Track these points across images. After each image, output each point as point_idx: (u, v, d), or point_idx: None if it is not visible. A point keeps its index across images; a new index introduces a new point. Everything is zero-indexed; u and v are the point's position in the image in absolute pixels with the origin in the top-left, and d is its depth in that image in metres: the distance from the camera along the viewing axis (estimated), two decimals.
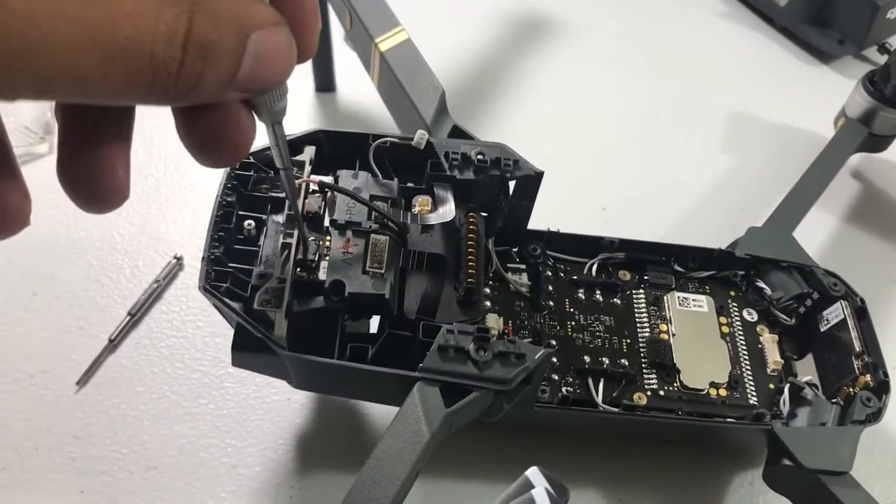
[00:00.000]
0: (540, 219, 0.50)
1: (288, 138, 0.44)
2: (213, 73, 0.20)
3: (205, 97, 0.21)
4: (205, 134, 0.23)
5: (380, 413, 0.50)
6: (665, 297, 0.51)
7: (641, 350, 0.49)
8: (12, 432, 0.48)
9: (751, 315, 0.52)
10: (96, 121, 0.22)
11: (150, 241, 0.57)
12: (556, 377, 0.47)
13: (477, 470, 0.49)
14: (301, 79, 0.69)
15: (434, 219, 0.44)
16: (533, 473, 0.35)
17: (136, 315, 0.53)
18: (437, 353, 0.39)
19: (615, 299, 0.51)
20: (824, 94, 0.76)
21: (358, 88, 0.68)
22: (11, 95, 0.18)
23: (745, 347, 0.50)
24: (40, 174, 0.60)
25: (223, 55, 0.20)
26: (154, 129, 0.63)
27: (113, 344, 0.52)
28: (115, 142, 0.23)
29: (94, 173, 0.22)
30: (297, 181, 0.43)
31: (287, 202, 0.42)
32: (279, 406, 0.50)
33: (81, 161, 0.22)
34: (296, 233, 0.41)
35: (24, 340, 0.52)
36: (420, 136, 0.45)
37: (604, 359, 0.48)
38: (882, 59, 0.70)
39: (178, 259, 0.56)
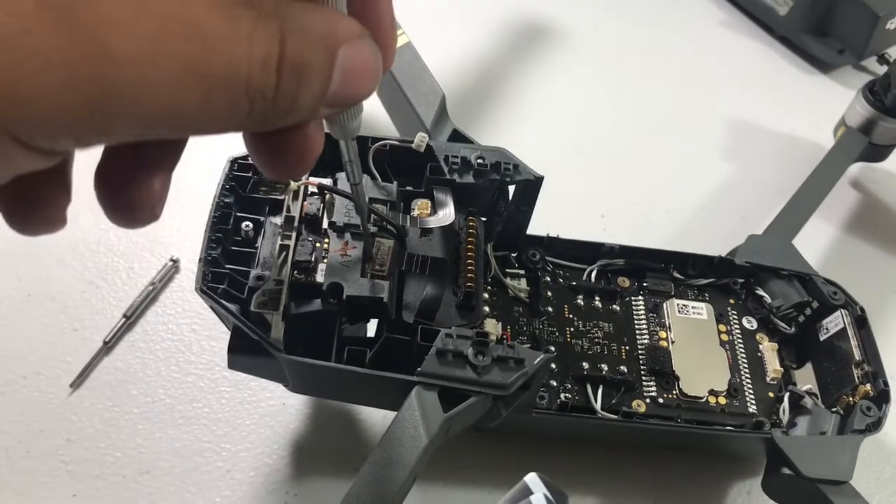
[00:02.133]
0: (539, 224, 0.50)
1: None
2: (307, 93, 0.20)
3: (298, 118, 0.20)
4: (275, 148, 0.22)
5: (376, 418, 0.50)
6: (664, 305, 0.51)
7: (640, 357, 0.49)
8: (4, 435, 0.47)
9: (750, 323, 0.52)
10: (151, 144, 0.22)
11: (146, 243, 0.57)
12: (555, 383, 0.47)
13: (475, 476, 0.48)
14: None
15: (433, 222, 0.44)
16: (531, 479, 0.34)
17: (132, 317, 0.52)
18: (436, 358, 0.39)
19: (614, 306, 0.51)
20: (824, 103, 0.75)
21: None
22: (117, 137, 0.18)
23: (744, 355, 0.50)
24: None
25: (315, 74, 0.20)
26: None
27: (107, 346, 0.51)
28: (161, 165, 0.22)
29: (134, 192, 0.22)
30: (295, 183, 0.42)
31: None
32: (275, 410, 0.50)
33: (124, 177, 0.22)
34: (363, 246, 0.41)
35: (17, 342, 0.51)
36: (420, 139, 0.44)
37: (603, 365, 0.48)
38: (881, 70, 0.70)
39: (175, 261, 0.55)
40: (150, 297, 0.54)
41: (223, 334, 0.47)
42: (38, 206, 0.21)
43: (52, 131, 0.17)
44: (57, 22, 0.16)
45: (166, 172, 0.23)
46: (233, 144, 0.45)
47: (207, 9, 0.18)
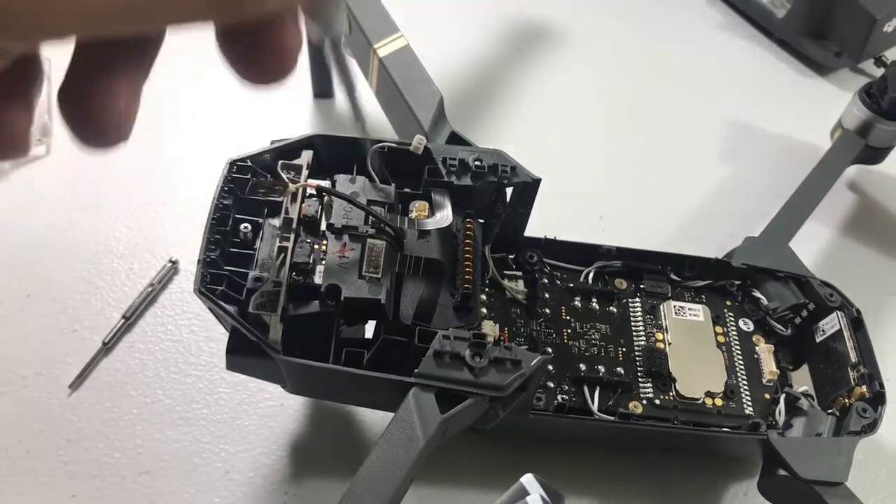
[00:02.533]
0: (536, 226, 0.50)
1: (285, 143, 0.45)
2: None
3: (267, 6, 0.18)
4: (251, 50, 0.21)
5: (374, 419, 0.50)
6: (661, 306, 0.51)
7: (637, 359, 0.49)
8: (4, 435, 0.48)
9: (747, 325, 0.52)
10: (115, 49, 0.20)
11: (145, 244, 0.57)
12: (552, 385, 0.47)
13: (471, 477, 0.49)
14: (298, 85, 0.68)
15: (431, 224, 0.44)
16: (528, 480, 0.35)
17: (131, 318, 0.53)
18: (433, 359, 0.39)
19: (611, 307, 0.51)
20: (821, 105, 0.76)
21: (356, 95, 0.68)
22: (63, 34, 0.17)
23: (740, 357, 0.50)
24: (37, 176, 0.60)
25: None
26: (151, 133, 0.63)
27: (107, 347, 0.51)
28: (126, 77, 0.21)
29: (97, 107, 0.20)
30: (293, 185, 0.43)
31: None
32: (273, 411, 0.50)
33: (86, 91, 0.20)
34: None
35: (17, 342, 0.51)
36: (418, 141, 0.45)
37: (599, 367, 0.48)
38: (879, 72, 0.70)
39: (174, 262, 0.56)
40: (149, 298, 0.54)
41: (222, 335, 0.47)
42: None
43: None
44: None
45: (133, 86, 0.21)
46: (232, 146, 0.46)
47: None
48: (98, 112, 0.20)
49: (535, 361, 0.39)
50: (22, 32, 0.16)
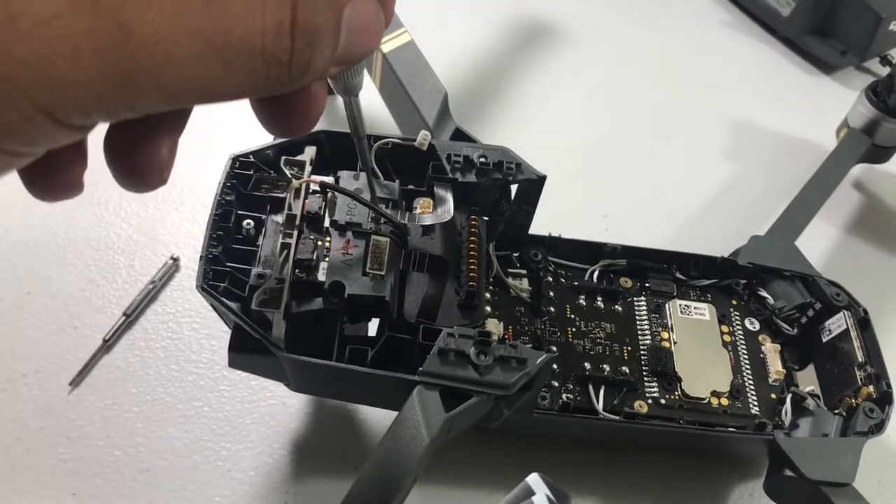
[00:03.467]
0: (541, 224, 0.50)
1: (288, 139, 0.44)
2: (319, 55, 0.21)
3: (312, 79, 0.21)
4: (282, 108, 0.24)
5: (377, 418, 0.50)
6: (667, 305, 0.51)
7: (642, 358, 0.49)
8: (4, 433, 0.47)
9: (753, 324, 0.52)
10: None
11: (146, 242, 0.57)
12: (557, 384, 0.47)
13: (476, 476, 0.48)
14: None
15: (431, 219, 0.44)
16: (534, 480, 0.34)
17: (132, 316, 0.52)
18: (438, 357, 0.38)
19: (616, 306, 0.51)
20: (826, 104, 0.75)
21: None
22: (143, 110, 0.19)
23: (746, 357, 0.50)
24: None
25: (325, 36, 0.21)
26: None
27: (107, 344, 0.51)
28: (169, 130, 0.23)
29: (143, 157, 0.23)
30: (296, 181, 0.42)
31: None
32: (275, 410, 0.50)
33: (132, 143, 0.22)
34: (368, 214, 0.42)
35: (17, 340, 0.51)
36: (423, 137, 0.44)
37: (604, 366, 0.48)
38: (884, 71, 0.70)
39: (175, 260, 0.55)
40: (150, 295, 0.53)
41: (223, 333, 0.46)
42: (59, 172, 0.22)
43: (84, 109, 0.18)
44: (84, 5, 0.17)
45: (174, 137, 0.23)
46: (234, 143, 0.45)
47: None
48: (143, 163, 0.23)
49: (540, 360, 0.39)
50: (116, 111, 0.19)
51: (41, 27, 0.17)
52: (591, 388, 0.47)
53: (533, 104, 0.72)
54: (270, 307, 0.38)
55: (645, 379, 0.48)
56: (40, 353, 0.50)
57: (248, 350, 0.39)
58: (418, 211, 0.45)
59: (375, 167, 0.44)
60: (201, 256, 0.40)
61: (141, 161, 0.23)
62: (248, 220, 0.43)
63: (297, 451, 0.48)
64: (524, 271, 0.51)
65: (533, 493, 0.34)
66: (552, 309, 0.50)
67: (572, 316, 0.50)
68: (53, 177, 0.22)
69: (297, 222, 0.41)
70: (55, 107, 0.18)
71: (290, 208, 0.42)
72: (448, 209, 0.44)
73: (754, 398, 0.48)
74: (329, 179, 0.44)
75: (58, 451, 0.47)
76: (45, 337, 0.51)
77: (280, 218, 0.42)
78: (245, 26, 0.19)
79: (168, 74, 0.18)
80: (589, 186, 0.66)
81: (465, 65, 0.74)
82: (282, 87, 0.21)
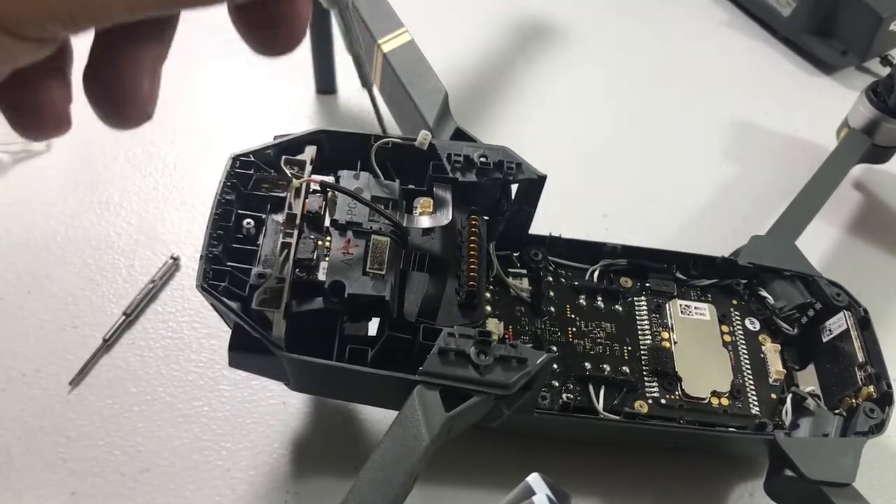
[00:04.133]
0: (541, 223, 0.50)
1: (288, 138, 0.44)
2: None
3: None
4: (263, 22, 0.22)
5: (377, 418, 0.50)
6: (667, 305, 0.51)
7: (643, 357, 0.49)
8: (4, 432, 0.47)
9: (753, 324, 0.52)
10: (135, 32, 0.21)
11: (146, 241, 0.57)
12: (557, 384, 0.47)
13: (476, 476, 0.48)
14: (302, 80, 0.68)
15: (430, 222, 0.44)
16: (534, 480, 0.34)
17: (132, 315, 0.52)
18: (438, 357, 0.38)
19: (617, 306, 0.51)
20: (826, 104, 0.75)
21: (359, 90, 0.67)
22: (104, 18, 0.18)
23: (746, 357, 0.50)
24: (38, 172, 0.60)
25: None
26: (153, 128, 0.63)
27: (107, 344, 0.51)
28: (149, 50, 0.22)
29: (123, 90, 0.21)
30: (297, 181, 0.42)
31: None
32: (275, 409, 0.50)
33: (111, 75, 0.21)
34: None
35: (17, 339, 0.51)
36: (423, 137, 0.44)
37: (605, 366, 0.48)
38: (884, 71, 0.70)
39: (175, 259, 0.55)
40: (150, 294, 0.53)
41: (223, 332, 0.46)
42: (41, 105, 0.21)
43: (36, 18, 0.17)
44: None
45: (155, 66, 0.22)
46: (234, 142, 0.45)
47: None
48: (124, 94, 0.21)
49: (540, 359, 0.39)
50: (73, 20, 0.17)
51: None
52: (591, 387, 0.47)
53: (533, 104, 0.72)
54: (271, 307, 0.38)
55: (645, 379, 0.48)
56: (40, 352, 0.50)
57: (248, 349, 0.39)
58: (418, 211, 0.44)
59: (376, 167, 0.44)
60: (201, 256, 0.40)
61: (122, 94, 0.21)
62: (249, 220, 0.43)
63: (298, 450, 0.48)
64: (524, 271, 0.51)
65: (533, 493, 0.34)
66: (552, 309, 0.50)
67: (572, 316, 0.50)
68: (36, 110, 0.21)
69: (298, 222, 0.41)
70: (6, 16, 0.17)
71: (290, 208, 0.42)
72: (447, 212, 0.44)
73: (755, 398, 0.48)
74: (329, 179, 0.44)
75: (57, 451, 0.47)
76: (45, 336, 0.51)
77: (280, 217, 0.42)
78: None
79: None
80: (589, 186, 0.66)
81: (466, 64, 0.74)
82: None
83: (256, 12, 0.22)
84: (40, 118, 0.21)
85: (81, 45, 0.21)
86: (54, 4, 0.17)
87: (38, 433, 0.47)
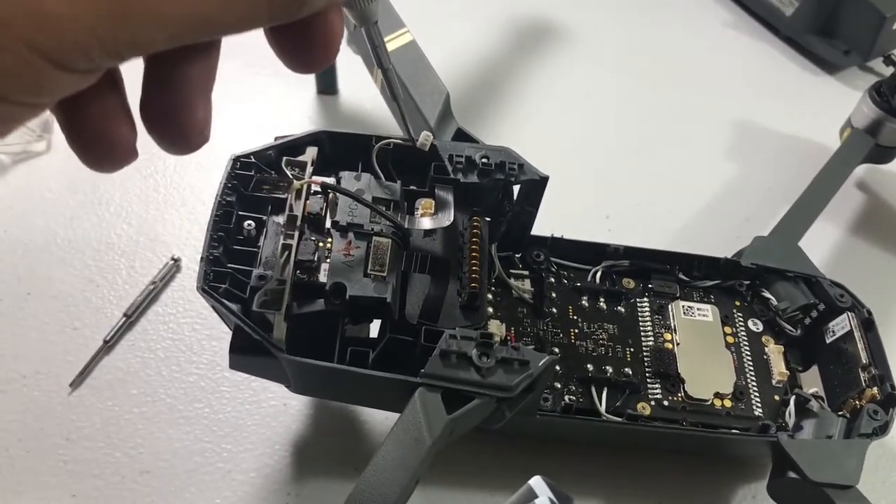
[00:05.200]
0: (543, 224, 0.50)
1: (289, 139, 0.44)
2: None
3: (318, 5, 0.21)
4: (298, 41, 0.23)
5: (379, 420, 0.49)
6: (669, 306, 0.51)
7: (645, 359, 0.48)
8: (4, 434, 0.47)
9: (756, 325, 0.51)
10: (182, 60, 0.22)
11: (147, 242, 0.56)
12: (559, 385, 0.46)
13: (478, 478, 0.48)
14: (302, 81, 0.68)
15: (431, 223, 0.43)
16: (536, 483, 0.34)
17: (132, 317, 0.52)
18: (439, 359, 0.38)
19: (619, 307, 0.51)
20: (829, 104, 0.75)
21: (360, 91, 0.67)
22: (147, 47, 0.19)
23: (750, 358, 0.50)
24: (38, 172, 0.59)
25: None
26: None
27: (108, 345, 0.51)
28: (199, 79, 0.22)
29: (177, 113, 0.22)
30: (298, 182, 0.42)
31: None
32: (276, 411, 0.49)
33: (168, 107, 0.22)
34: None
35: (17, 340, 0.51)
36: (424, 138, 0.44)
37: (607, 367, 0.48)
38: (888, 71, 0.70)
39: (176, 260, 0.55)
40: (150, 296, 0.53)
41: (224, 334, 0.46)
42: (111, 142, 0.22)
43: (84, 49, 0.17)
44: None
45: (206, 93, 0.23)
46: (235, 143, 0.45)
47: None
48: (181, 123, 0.22)
49: (542, 362, 0.39)
50: (118, 51, 0.18)
51: None
52: (593, 389, 0.47)
53: (535, 104, 0.72)
54: (271, 309, 0.38)
55: (648, 380, 0.48)
56: (40, 354, 0.50)
57: (248, 352, 0.39)
58: (420, 212, 0.44)
59: (378, 168, 0.44)
60: (202, 258, 0.39)
61: (180, 123, 0.22)
62: (249, 221, 0.42)
63: (299, 452, 0.48)
64: (526, 272, 0.51)
65: (536, 496, 0.34)
66: (554, 310, 0.50)
67: (575, 317, 0.50)
68: (106, 145, 0.22)
69: (299, 223, 0.41)
70: (53, 48, 0.17)
71: (291, 209, 0.41)
72: (449, 213, 0.43)
73: (758, 400, 0.48)
74: (330, 180, 0.44)
75: (58, 453, 0.47)
76: (45, 338, 0.51)
77: (281, 219, 0.42)
78: None
79: (166, 5, 0.18)
80: (591, 187, 0.66)
81: (467, 65, 0.74)
82: (287, 14, 0.20)
83: (291, 32, 0.22)
84: (112, 154, 0.22)
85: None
86: (100, 36, 0.17)
87: (39, 435, 0.47)
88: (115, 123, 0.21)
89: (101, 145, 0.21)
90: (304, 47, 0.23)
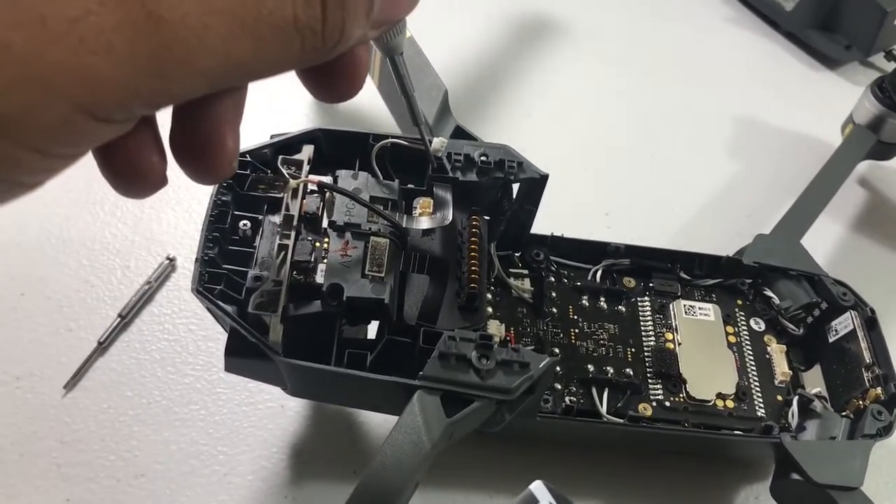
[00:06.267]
0: (542, 222, 0.49)
1: (285, 137, 0.44)
2: (352, 20, 0.20)
3: (348, 45, 0.21)
4: (327, 75, 0.24)
5: (376, 421, 0.49)
6: (671, 305, 0.50)
7: (647, 359, 0.48)
8: None
9: (758, 324, 0.51)
10: (211, 96, 0.22)
11: (142, 242, 0.56)
12: (560, 386, 0.46)
13: (478, 482, 0.47)
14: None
15: (430, 223, 0.43)
16: (537, 488, 0.33)
17: (127, 317, 0.51)
18: (438, 361, 0.37)
19: (620, 307, 0.50)
20: (830, 99, 0.75)
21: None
22: (182, 97, 0.19)
23: (752, 358, 0.49)
24: None
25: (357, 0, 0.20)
26: None
27: (102, 347, 0.50)
28: (228, 113, 0.23)
29: (206, 144, 0.23)
30: (294, 181, 0.41)
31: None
32: (273, 413, 0.49)
33: (197, 139, 0.23)
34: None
35: (10, 342, 0.50)
36: (439, 144, 0.43)
37: (608, 368, 0.47)
38: (889, 66, 0.69)
39: (171, 260, 0.54)
40: (145, 296, 0.53)
41: (220, 335, 0.46)
42: (143, 172, 0.22)
43: (123, 103, 0.18)
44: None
45: (235, 125, 0.23)
46: None
47: None
48: (211, 157, 0.23)
49: (543, 363, 0.38)
50: (156, 101, 0.19)
51: (72, 26, 0.16)
52: (594, 390, 0.46)
53: (534, 100, 0.71)
54: (267, 310, 0.37)
55: (649, 381, 0.47)
56: (34, 355, 0.50)
57: (244, 354, 0.38)
58: (418, 211, 0.44)
59: (376, 167, 0.44)
60: (197, 258, 0.39)
61: (209, 156, 0.23)
62: (245, 221, 0.42)
63: (296, 455, 0.48)
64: (526, 271, 0.50)
65: (537, 501, 0.33)
66: (554, 310, 0.49)
67: (575, 317, 0.49)
68: (134, 174, 0.22)
69: (295, 223, 0.40)
70: (94, 104, 0.17)
71: (287, 208, 0.41)
72: (448, 212, 0.43)
73: (760, 400, 0.47)
74: (327, 179, 0.43)
75: (51, 456, 0.46)
76: (38, 339, 0.50)
77: (277, 218, 0.41)
78: None
79: (201, 58, 0.18)
80: (591, 184, 0.65)
81: (466, 61, 0.73)
82: (318, 56, 0.21)
83: (320, 67, 0.22)
84: (143, 183, 0.23)
85: None
86: (139, 91, 0.18)
87: (32, 438, 0.47)
88: (146, 154, 0.22)
89: (133, 175, 0.22)
90: (332, 80, 0.24)
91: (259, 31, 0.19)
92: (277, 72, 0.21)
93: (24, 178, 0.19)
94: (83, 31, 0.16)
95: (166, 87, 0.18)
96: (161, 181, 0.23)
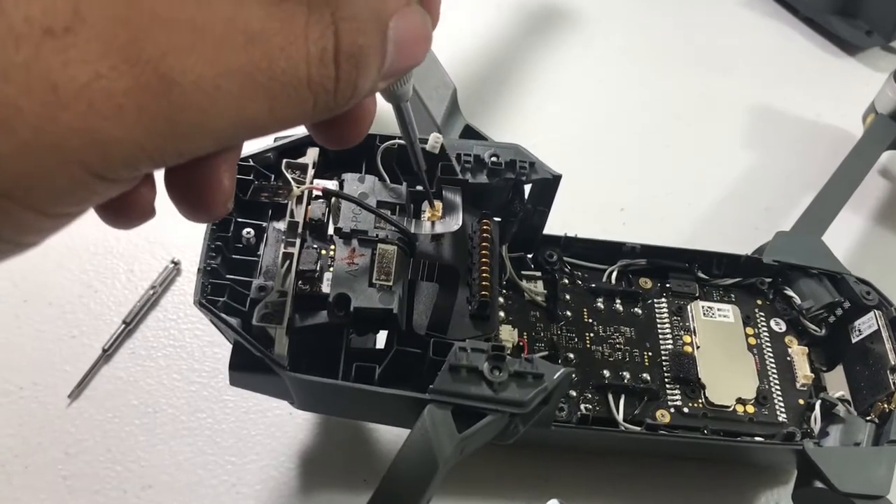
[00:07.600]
0: (555, 219, 0.47)
1: (290, 139, 0.42)
2: (365, 76, 0.20)
3: (359, 99, 0.21)
4: (334, 124, 0.24)
5: (387, 429, 0.48)
6: (689, 307, 0.49)
7: (664, 364, 0.47)
8: (1, 449, 0.46)
9: (779, 325, 0.49)
10: None
11: (146, 245, 0.55)
12: (575, 393, 0.45)
13: (491, 493, 0.46)
14: None
15: (439, 228, 0.41)
16: None
17: (132, 323, 0.50)
18: (449, 374, 0.36)
19: (636, 309, 0.49)
20: (850, 87, 0.72)
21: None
22: (191, 155, 0.19)
23: (773, 360, 0.48)
24: None
25: (372, 56, 0.20)
26: None
27: (107, 354, 0.49)
28: (227, 156, 0.23)
29: (202, 185, 0.22)
30: (299, 187, 0.40)
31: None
32: (281, 421, 0.48)
33: (193, 179, 0.22)
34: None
35: (14, 350, 0.49)
36: (434, 140, 0.42)
37: (624, 373, 0.46)
38: None
39: (176, 264, 0.53)
40: (150, 301, 0.52)
41: (227, 341, 0.44)
42: (131, 204, 0.22)
43: (132, 164, 0.18)
44: (123, 63, 0.16)
45: (231, 166, 0.23)
46: None
47: (260, 12, 0.18)
48: (206, 197, 0.23)
49: (557, 374, 0.37)
50: (164, 160, 0.19)
51: (83, 91, 0.16)
52: (610, 397, 0.45)
53: (545, 94, 0.69)
54: (272, 322, 0.36)
55: (667, 386, 0.46)
56: (37, 363, 0.49)
57: (249, 369, 0.37)
58: (427, 215, 0.42)
59: (382, 169, 0.42)
60: (199, 269, 0.38)
61: (204, 195, 0.23)
62: (249, 229, 0.41)
63: (305, 464, 0.47)
64: (539, 273, 0.49)
65: None
66: (569, 313, 0.48)
67: (590, 320, 0.48)
68: (126, 208, 0.22)
69: (300, 230, 0.39)
70: (103, 166, 0.17)
71: (291, 215, 0.39)
72: (458, 216, 0.41)
73: (781, 405, 0.46)
74: (333, 184, 0.42)
75: (57, 468, 0.45)
76: (42, 347, 0.50)
77: (282, 225, 0.40)
78: (288, 58, 0.18)
79: (213, 119, 0.18)
80: (605, 179, 0.64)
81: (476, 58, 0.71)
82: (329, 112, 0.20)
83: (328, 119, 0.22)
84: (131, 214, 0.22)
85: None
86: (148, 151, 0.18)
87: (37, 449, 0.46)
88: (138, 192, 0.21)
89: (121, 207, 0.22)
90: (338, 130, 0.24)
91: (272, 91, 0.18)
92: (288, 127, 0.20)
93: (27, 238, 0.19)
94: (93, 95, 0.16)
95: (176, 148, 0.18)
96: (148, 213, 0.22)
